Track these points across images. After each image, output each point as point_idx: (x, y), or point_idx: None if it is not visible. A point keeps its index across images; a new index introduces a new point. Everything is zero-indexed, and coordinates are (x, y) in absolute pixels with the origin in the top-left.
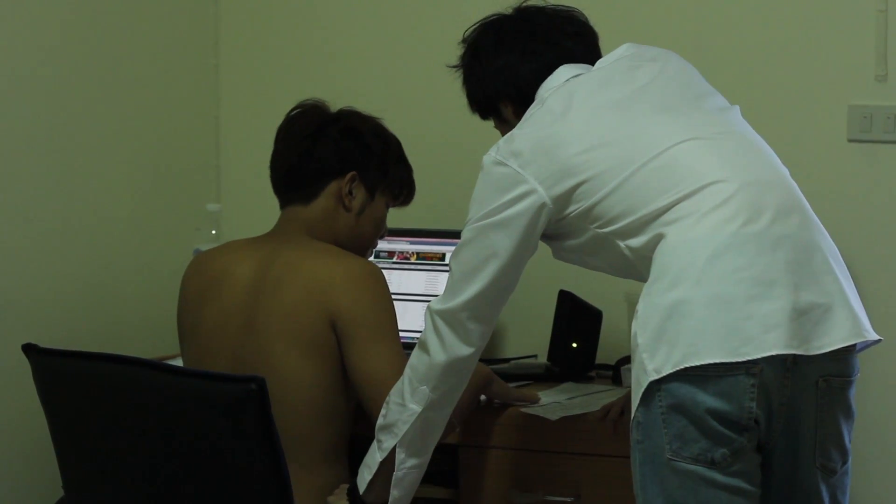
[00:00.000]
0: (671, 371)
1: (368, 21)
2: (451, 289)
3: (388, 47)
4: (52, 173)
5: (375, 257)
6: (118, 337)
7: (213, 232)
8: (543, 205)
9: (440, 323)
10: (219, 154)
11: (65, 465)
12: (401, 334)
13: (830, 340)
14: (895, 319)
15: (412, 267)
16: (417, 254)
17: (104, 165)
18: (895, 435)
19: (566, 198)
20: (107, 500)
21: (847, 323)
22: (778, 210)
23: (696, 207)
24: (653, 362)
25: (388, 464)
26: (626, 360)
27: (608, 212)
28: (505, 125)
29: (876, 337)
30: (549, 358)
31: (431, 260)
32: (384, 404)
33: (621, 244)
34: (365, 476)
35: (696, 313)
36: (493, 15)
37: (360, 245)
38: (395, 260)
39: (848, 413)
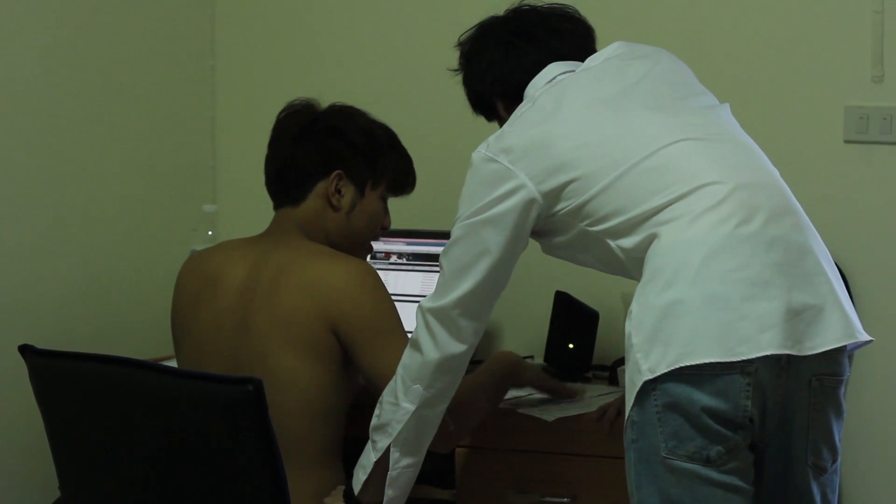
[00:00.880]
0: (666, 371)
1: (364, 22)
2: (442, 286)
3: (384, 48)
4: (48, 174)
5: (371, 258)
6: (114, 338)
7: (210, 233)
8: (533, 200)
9: (432, 321)
10: (215, 155)
11: (61, 465)
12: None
13: (823, 341)
14: (890, 319)
15: (408, 267)
16: (413, 254)
17: (100, 166)
18: (891, 435)
19: (556, 194)
20: (103, 500)
21: (839, 324)
22: (771, 212)
23: (689, 209)
24: (647, 362)
25: (382, 463)
26: (623, 360)
27: (599, 210)
28: (503, 123)
29: (867, 338)
30: (546, 359)
31: (427, 261)
32: (378, 404)
33: (612, 244)
34: (360, 476)
35: (691, 313)
36: (488, 17)
37: (354, 242)
38: (390, 261)
39: (839, 412)
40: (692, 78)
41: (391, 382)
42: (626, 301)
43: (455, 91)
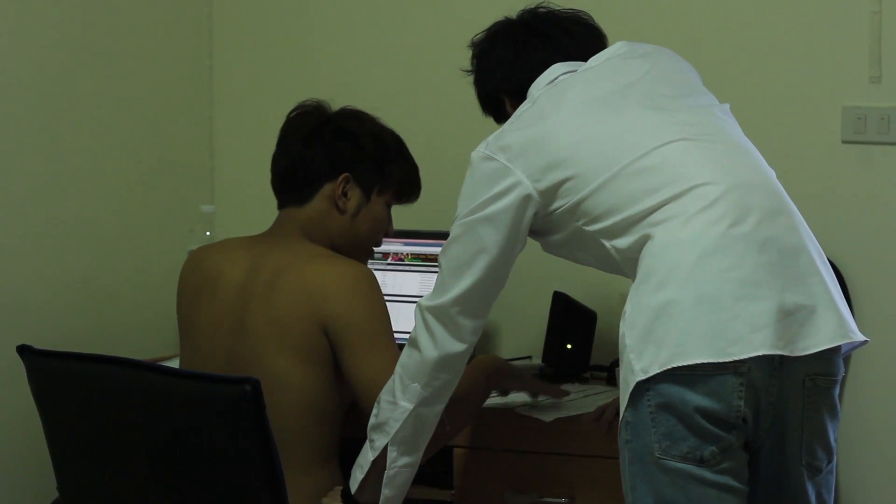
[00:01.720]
0: (659, 371)
1: (362, 22)
2: (440, 285)
3: (382, 48)
4: (45, 174)
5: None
6: (112, 338)
7: (208, 233)
8: (530, 197)
9: (431, 319)
10: (213, 155)
11: (59, 466)
12: (394, 335)
13: (816, 342)
14: (888, 320)
15: (406, 268)
16: (411, 255)
17: (98, 166)
18: (889, 435)
19: (553, 192)
20: (101, 501)
21: (832, 324)
22: (764, 212)
23: (683, 209)
24: (640, 362)
25: (380, 463)
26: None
27: (594, 209)
28: None
29: (862, 338)
30: (544, 359)
31: (426, 261)
32: (375, 403)
33: (607, 244)
34: (357, 476)
35: (683, 314)
36: (502, 19)
37: (357, 246)
38: (389, 261)
39: (833, 412)
40: (694, 77)
41: (389, 381)
42: (624, 301)
43: (453, 92)
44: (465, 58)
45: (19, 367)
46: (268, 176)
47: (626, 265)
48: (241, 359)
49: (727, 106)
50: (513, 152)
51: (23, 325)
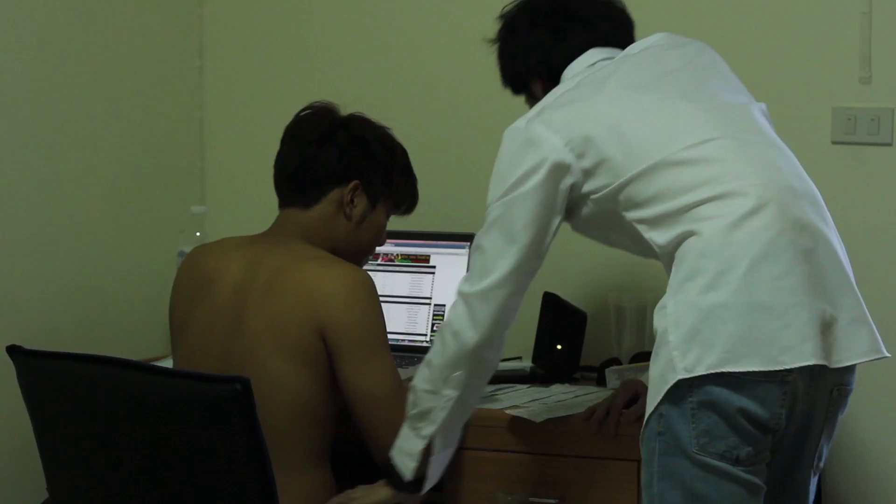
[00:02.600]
0: (705, 373)
1: (353, 23)
2: (482, 269)
3: (373, 49)
4: (35, 175)
5: None
6: (103, 339)
7: (198, 234)
8: (569, 168)
9: (475, 303)
10: (203, 156)
11: (49, 466)
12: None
13: (848, 355)
14: (880, 321)
15: (397, 269)
16: (401, 255)
17: (88, 167)
18: (871, 435)
19: (592, 171)
20: (91, 501)
21: (865, 339)
22: (808, 221)
23: (729, 210)
24: (684, 361)
25: (426, 449)
26: (611, 362)
27: (636, 196)
28: (535, 101)
29: (886, 354)
30: (534, 360)
31: (416, 262)
32: (411, 391)
33: (644, 234)
34: (408, 464)
35: (735, 319)
36: None
37: (357, 253)
38: (379, 262)
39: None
40: (732, 75)
41: (423, 369)
42: (614, 303)
43: (448, 92)
44: (459, 61)
45: (9, 368)
46: (258, 176)
47: (664, 258)
48: (236, 359)
49: (764, 106)
50: (554, 125)
51: (13, 325)
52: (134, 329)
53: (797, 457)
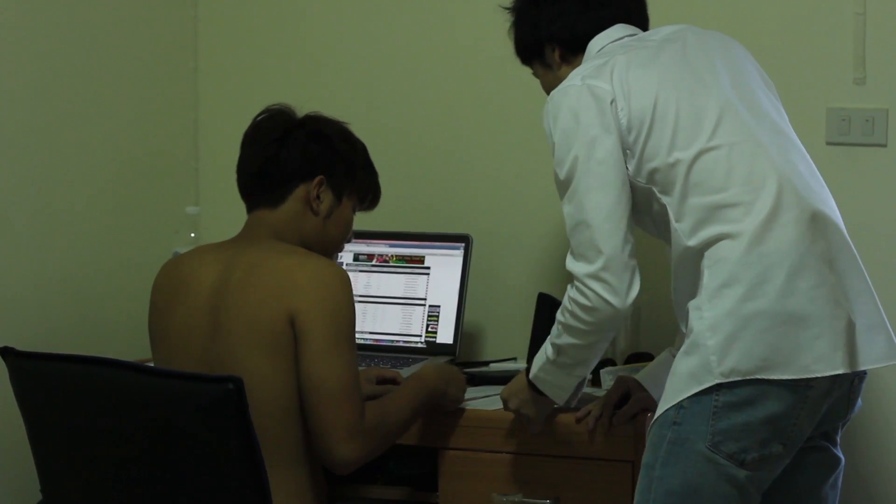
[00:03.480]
0: (739, 379)
1: (346, 25)
2: (595, 243)
3: (368, 50)
4: (30, 175)
5: (354, 260)
6: (96, 339)
7: (193, 235)
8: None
9: (608, 276)
10: (198, 157)
11: (42, 467)
12: (378, 338)
13: (864, 358)
14: None
15: (391, 270)
16: (396, 256)
17: (83, 168)
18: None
19: (631, 141)
20: (85, 502)
21: (884, 343)
22: (833, 232)
23: (763, 217)
24: (721, 366)
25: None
26: (605, 363)
27: (667, 179)
28: (547, 70)
29: None
30: (529, 361)
31: (410, 262)
32: (556, 325)
33: (674, 225)
34: (561, 395)
35: (773, 329)
36: None
37: (328, 248)
38: (374, 262)
39: None
40: (760, 71)
41: (570, 320)
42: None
43: (443, 93)
44: (455, 63)
45: (2, 369)
46: None
47: (688, 255)
48: (216, 359)
49: (781, 108)
50: (612, 82)
51: (5, 325)
52: (128, 330)
53: (800, 460)
